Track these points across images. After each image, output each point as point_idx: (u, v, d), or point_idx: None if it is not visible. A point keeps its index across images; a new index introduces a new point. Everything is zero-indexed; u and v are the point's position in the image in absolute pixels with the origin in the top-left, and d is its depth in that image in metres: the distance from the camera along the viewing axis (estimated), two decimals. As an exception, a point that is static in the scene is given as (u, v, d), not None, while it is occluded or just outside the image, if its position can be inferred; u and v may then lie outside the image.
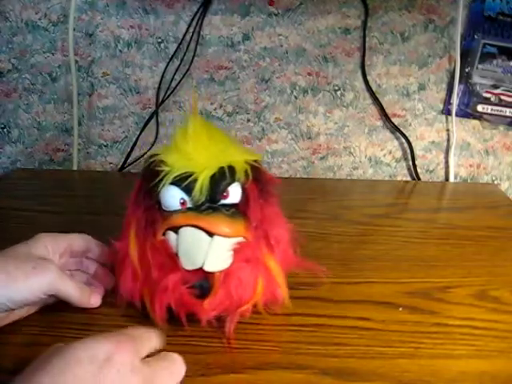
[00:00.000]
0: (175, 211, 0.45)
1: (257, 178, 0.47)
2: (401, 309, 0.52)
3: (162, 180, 0.45)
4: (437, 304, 0.53)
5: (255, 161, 0.48)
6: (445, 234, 0.68)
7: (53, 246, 0.49)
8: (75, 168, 0.88)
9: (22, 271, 0.44)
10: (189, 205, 0.45)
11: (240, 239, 0.45)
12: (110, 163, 0.91)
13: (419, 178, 0.89)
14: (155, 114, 0.85)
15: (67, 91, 0.85)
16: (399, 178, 0.91)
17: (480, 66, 0.82)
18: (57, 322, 0.48)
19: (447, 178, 0.90)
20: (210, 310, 0.45)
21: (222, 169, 0.45)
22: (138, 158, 0.88)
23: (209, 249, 0.44)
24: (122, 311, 0.49)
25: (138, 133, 0.86)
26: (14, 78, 0.85)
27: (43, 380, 0.32)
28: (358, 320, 0.50)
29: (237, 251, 0.45)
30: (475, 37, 0.80)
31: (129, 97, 0.86)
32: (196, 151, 0.46)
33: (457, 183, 0.90)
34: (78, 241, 0.52)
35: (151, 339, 0.39)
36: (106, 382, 0.33)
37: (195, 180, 0.44)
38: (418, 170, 0.89)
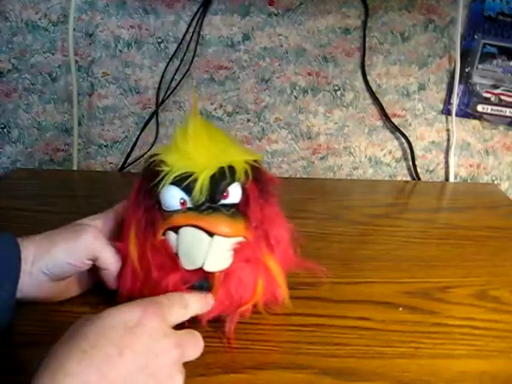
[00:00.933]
0: (175, 211, 0.45)
1: (257, 177, 0.47)
2: (401, 309, 0.52)
3: (162, 180, 0.45)
4: (437, 304, 0.53)
5: (255, 161, 0.48)
6: (445, 234, 0.68)
7: (99, 222, 0.50)
8: (75, 168, 0.88)
9: (64, 236, 0.47)
10: (189, 205, 0.45)
11: (240, 239, 0.45)
12: (110, 163, 0.91)
13: (419, 178, 0.89)
14: (155, 114, 0.85)
15: (67, 91, 0.85)
16: (399, 178, 0.91)
17: (480, 66, 0.82)
18: (57, 323, 0.48)
19: (447, 178, 0.90)
20: (209, 310, 0.45)
21: (222, 169, 0.45)
22: (138, 158, 0.88)
23: (209, 249, 0.44)
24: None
25: (138, 133, 0.86)
26: (14, 78, 0.85)
27: (81, 344, 0.33)
28: (358, 320, 0.50)
29: (237, 251, 0.45)
30: (475, 37, 0.80)
31: (129, 97, 0.86)
32: (196, 151, 0.46)
33: (457, 183, 0.90)
34: (121, 215, 0.52)
35: (182, 307, 0.40)
36: (138, 345, 0.34)
37: (195, 180, 0.44)
38: (418, 170, 0.89)
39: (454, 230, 0.69)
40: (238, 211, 0.46)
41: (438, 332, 0.48)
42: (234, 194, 0.46)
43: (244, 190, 0.46)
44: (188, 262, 0.44)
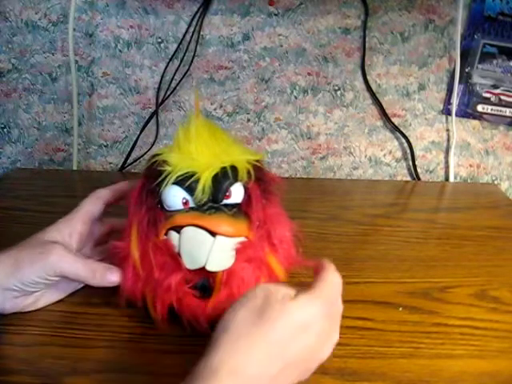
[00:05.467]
0: (177, 211, 0.45)
1: (259, 177, 0.48)
2: (401, 309, 0.52)
3: (164, 180, 0.45)
4: (437, 304, 0.53)
5: (257, 160, 0.48)
6: (445, 234, 0.68)
7: (66, 229, 0.50)
8: (75, 168, 0.88)
9: (29, 257, 0.46)
10: (191, 204, 0.45)
11: (242, 239, 0.45)
12: (110, 163, 0.91)
13: (419, 178, 0.89)
14: (155, 114, 0.85)
15: (67, 91, 0.85)
16: (399, 178, 0.91)
17: (480, 66, 0.82)
18: (57, 323, 0.49)
19: (447, 178, 0.90)
20: (212, 311, 0.45)
21: (224, 169, 0.45)
22: (138, 158, 0.88)
23: (211, 248, 0.44)
24: (123, 311, 0.49)
25: (138, 133, 0.86)
26: (14, 77, 0.85)
27: (269, 341, 0.34)
28: (358, 320, 0.50)
29: (239, 251, 0.45)
30: (475, 37, 0.80)
31: (129, 97, 0.86)
32: (198, 151, 0.46)
33: (457, 183, 0.90)
34: (89, 214, 0.51)
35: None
36: (308, 353, 0.36)
37: (198, 180, 0.44)
38: (418, 170, 0.89)
39: (454, 230, 0.69)
40: (241, 211, 0.46)
41: (438, 332, 0.48)
42: (237, 193, 0.46)
43: (246, 189, 0.47)
44: (190, 262, 0.44)
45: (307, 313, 0.36)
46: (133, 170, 0.89)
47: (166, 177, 0.45)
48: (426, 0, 0.79)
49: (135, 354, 0.45)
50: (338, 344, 0.46)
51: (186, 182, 0.45)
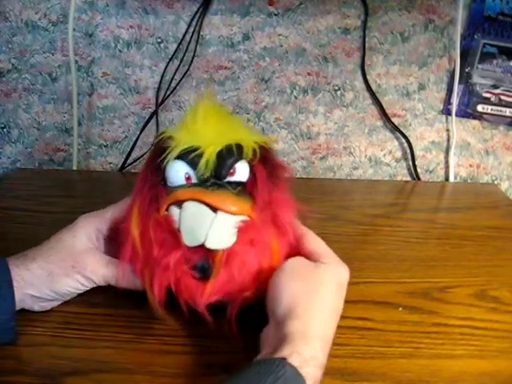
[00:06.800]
0: (180, 186, 0.44)
1: (265, 158, 0.46)
2: (401, 309, 0.52)
3: (168, 155, 0.44)
4: (437, 304, 0.53)
5: (265, 143, 0.47)
6: (445, 234, 0.68)
7: (95, 232, 0.50)
8: (75, 168, 0.88)
9: (63, 270, 0.47)
10: (194, 180, 0.45)
11: (245, 218, 0.44)
12: (110, 163, 0.91)
13: (419, 178, 0.89)
14: (155, 114, 0.85)
15: (67, 91, 0.85)
16: (399, 178, 0.91)
17: (480, 66, 0.82)
18: (57, 323, 0.49)
19: (447, 178, 0.90)
20: (210, 293, 0.43)
21: (229, 145, 0.44)
22: (138, 158, 0.88)
23: (212, 224, 0.42)
24: (123, 311, 0.49)
25: (138, 133, 0.86)
26: (14, 77, 0.85)
27: (328, 305, 0.43)
28: (358, 320, 0.50)
29: (241, 230, 0.43)
30: (475, 37, 0.80)
31: (129, 97, 0.86)
32: (204, 128, 0.45)
33: (457, 183, 0.90)
34: (114, 220, 0.50)
35: None
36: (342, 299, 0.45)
37: (201, 154, 0.43)
38: (418, 170, 0.89)
39: (454, 230, 0.69)
40: (245, 190, 0.45)
41: (437, 332, 0.48)
42: (241, 171, 0.45)
43: (252, 169, 0.45)
44: (190, 238, 0.43)
45: (341, 274, 0.46)
46: (133, 170, 0.89)
47: (169, 152, 0.44)
48: (426, 0, 0.79)
49: (135, 354, 0.45)
50: (338, 344, 0.46)
51: (189, 155, 0.44)
